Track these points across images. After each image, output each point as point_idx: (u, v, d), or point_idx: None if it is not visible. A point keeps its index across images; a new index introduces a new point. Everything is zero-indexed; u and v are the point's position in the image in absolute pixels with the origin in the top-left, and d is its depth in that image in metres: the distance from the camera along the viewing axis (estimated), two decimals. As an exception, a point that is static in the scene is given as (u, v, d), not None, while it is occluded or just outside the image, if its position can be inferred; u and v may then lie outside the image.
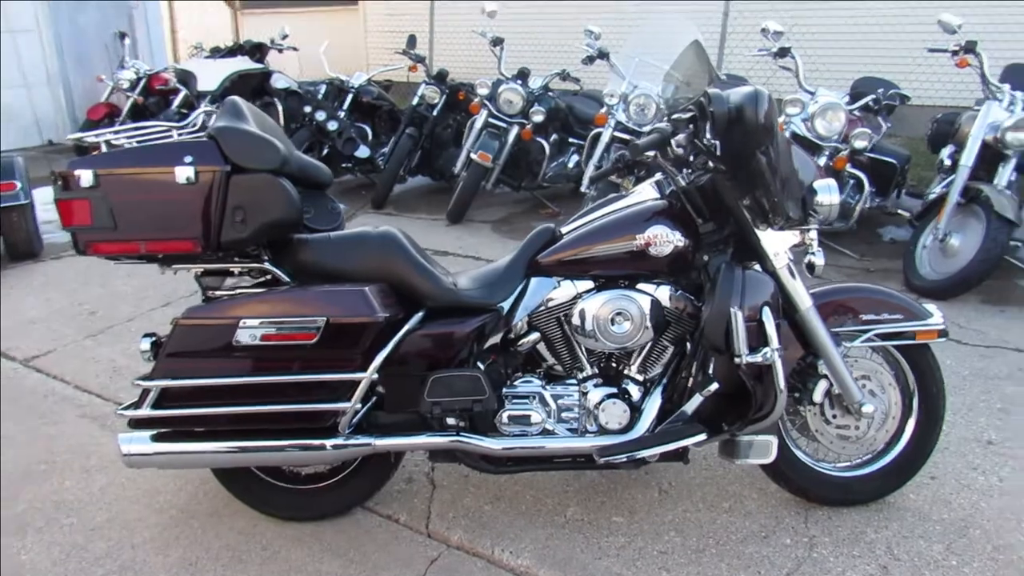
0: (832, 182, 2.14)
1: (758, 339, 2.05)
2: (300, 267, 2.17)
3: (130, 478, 2.56)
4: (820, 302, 2.24)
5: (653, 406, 2.19)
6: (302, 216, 2.13)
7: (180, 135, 2.27)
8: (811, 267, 2.16)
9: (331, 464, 2.31)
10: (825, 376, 2.25)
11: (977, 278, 3.93)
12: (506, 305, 2.22)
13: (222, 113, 2.15)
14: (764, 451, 2.25)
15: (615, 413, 2.18)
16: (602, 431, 2.19)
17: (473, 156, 5.43)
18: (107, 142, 2.20)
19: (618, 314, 2.14)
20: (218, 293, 2.20)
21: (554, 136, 5.96)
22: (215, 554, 2.23)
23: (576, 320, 2.18)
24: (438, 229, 5.58)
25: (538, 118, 5.50)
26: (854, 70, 6.35)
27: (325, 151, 6.31)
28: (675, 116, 2.12)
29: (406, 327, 2.10)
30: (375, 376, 2.05)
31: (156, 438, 2.13)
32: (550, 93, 5.86)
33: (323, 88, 6.53)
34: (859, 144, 4.28)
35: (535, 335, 2.27)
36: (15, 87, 7.97)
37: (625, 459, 2.12)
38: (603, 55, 5.11)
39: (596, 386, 2.23)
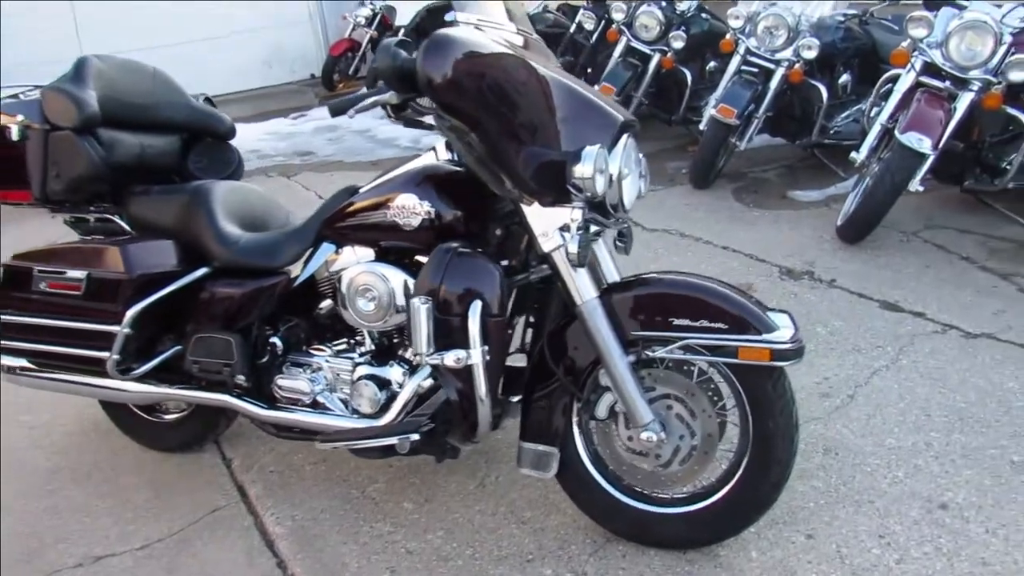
0: (596, 149, 1.65)
1: (463, 337, 1.73)
2: (132, 218, 2.31)
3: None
4: (628, 294, 1.81)
5: (406, 393, 1.96)
6: (108, 172, 2.22)
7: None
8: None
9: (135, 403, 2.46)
10: (610, 388, 1.82)
11: None
12: (296, 269, 2.14)
13: (69, 71, 2.33)
14: (542, 463, 1.92)
15: (366, 395, 2.00)
16: (357, 413, 2.04)
17: (596, 88, 5.04)
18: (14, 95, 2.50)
19: (367, 290, 1.94)
20: (88, 239, 2.44)
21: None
22: (79, 467, 2.52)
23: (341, 291, 2.02)
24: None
25: (677, 44, 4.87)
26: None
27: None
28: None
29: (172, 286, 2.13)
30: (128, 331, 2.12)
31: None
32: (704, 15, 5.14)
33: (494, 19, 6.48)
34: (1017, 76, 3.13)
35: (328, 302, 2.16)
36: (283, 27, 9.15)
37: (336, 447, 1.96)
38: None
39: (365, 363, 2.06)
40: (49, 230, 2.59)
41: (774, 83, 4.30)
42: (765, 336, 1.69)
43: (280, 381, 2.14)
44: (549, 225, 1.75)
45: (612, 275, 1.94)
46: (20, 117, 2.23)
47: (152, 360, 2.22)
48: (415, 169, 1.94)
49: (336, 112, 1.78)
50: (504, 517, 2.10)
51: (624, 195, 1.76)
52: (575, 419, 1.93)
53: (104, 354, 2.15)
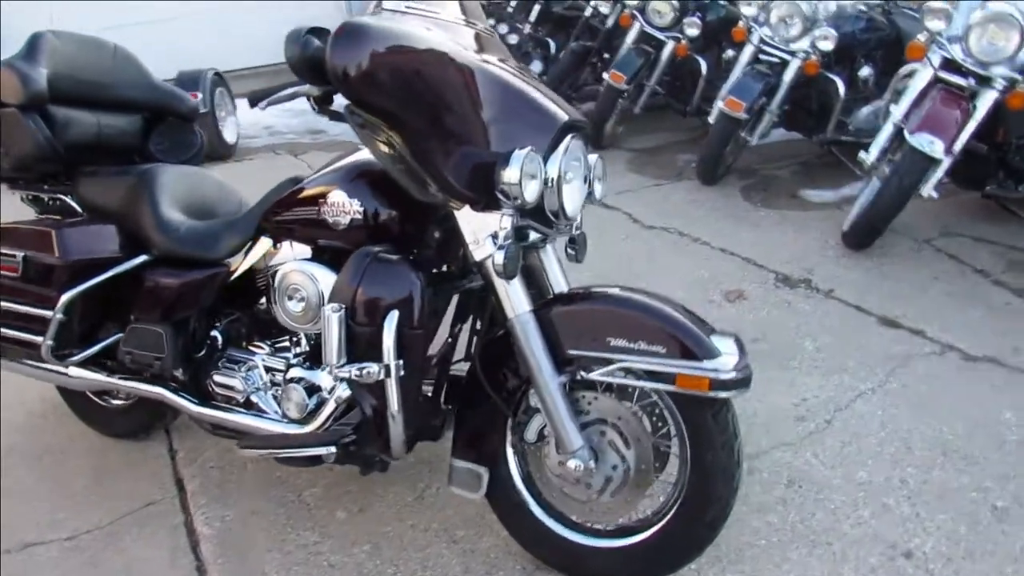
0: (526, 152, 1.51)
1: (377, 350, 1.61)
2: (81, 199, 2.24)
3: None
4: (567, 309, 1.67)
5: (333, 401, 1.85)
6: (54, 151, 2.14)
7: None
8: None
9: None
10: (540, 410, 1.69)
11: None
12: (235, 261, 2.05)
13: (23, 47, 2.25)
14: (471, 483, 1.81)
15: (294, 400, 1.89)
16: (286, 417, 1.94)
17: (605, 75, 4.85)
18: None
19: (296, 290, 1.84)
20: (43, 218, 2.38)
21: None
22: (33, 449, 2.49)
23: (273, 288, 1.91)
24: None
25: (692, 31, 4.66)
26: None
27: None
28: None
29: (108, 273, 2.06)
30: (61, 316, 2.05)
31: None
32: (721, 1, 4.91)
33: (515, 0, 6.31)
34: (1043, 75, 2.88)
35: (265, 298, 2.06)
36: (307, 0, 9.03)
37: (260, 455, 1.87)
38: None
39: (297, 365, 1.96)
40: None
41: (788, 76, 4.07)
42: (705, 363, 1.54)
43: (216, 377, 2.06)
44: (481, 231, 1.62)
45: (560, 285, 1.80)
46: (-31, 93, 2.16)
47: (90, 347, 2.16)
48: (349, 164, 1.82)
49: (253, 103, 1.67)
50: (436, 534, 1.99)
51: (566, 202, 1.62)
52: (509, 438, 1.81)
53: (39, 338, 2.10)
